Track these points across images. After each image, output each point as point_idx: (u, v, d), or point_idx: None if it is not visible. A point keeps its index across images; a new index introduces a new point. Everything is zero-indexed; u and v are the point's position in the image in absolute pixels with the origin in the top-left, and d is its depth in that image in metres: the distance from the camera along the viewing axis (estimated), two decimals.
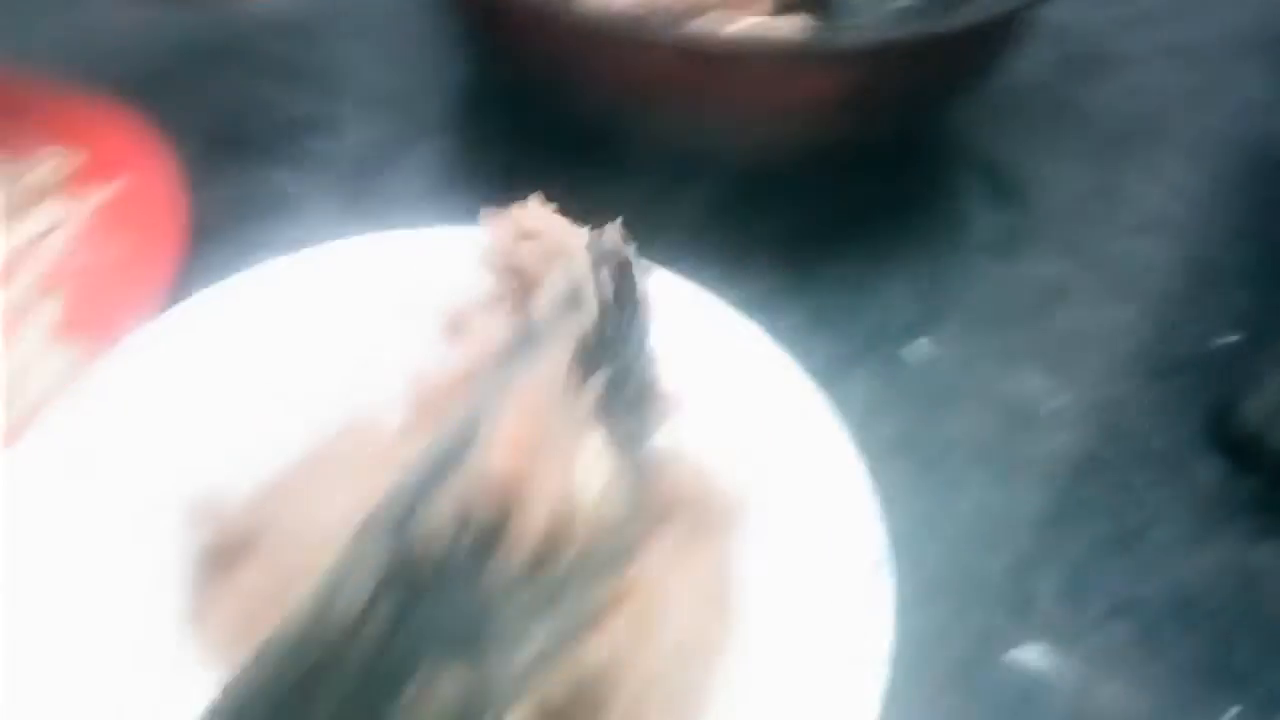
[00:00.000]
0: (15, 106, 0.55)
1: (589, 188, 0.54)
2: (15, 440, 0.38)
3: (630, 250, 0.36)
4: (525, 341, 0.30)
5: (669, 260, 0.46)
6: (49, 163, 0.54)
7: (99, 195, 0.53)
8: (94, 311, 0.48)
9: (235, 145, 0.57)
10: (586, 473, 0.28)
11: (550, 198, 0.50)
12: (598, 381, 0.30)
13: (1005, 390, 0.49)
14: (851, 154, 0.55)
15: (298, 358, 0.42)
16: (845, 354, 0.49)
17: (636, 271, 0.35)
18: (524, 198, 0.53)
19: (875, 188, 0.57)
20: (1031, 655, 0.41)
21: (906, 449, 0.46)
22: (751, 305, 0.45)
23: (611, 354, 0.31)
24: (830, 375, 0.42)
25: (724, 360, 0.42)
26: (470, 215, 0.43)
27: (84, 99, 0.55)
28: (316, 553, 0.25)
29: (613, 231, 0.36)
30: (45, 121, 0.55)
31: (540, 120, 0.59)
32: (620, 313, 0.33)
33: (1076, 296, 0.54)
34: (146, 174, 0.52)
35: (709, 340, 0.43)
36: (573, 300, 0.32)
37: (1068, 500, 0.46)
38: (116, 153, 0.53)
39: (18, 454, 0.37)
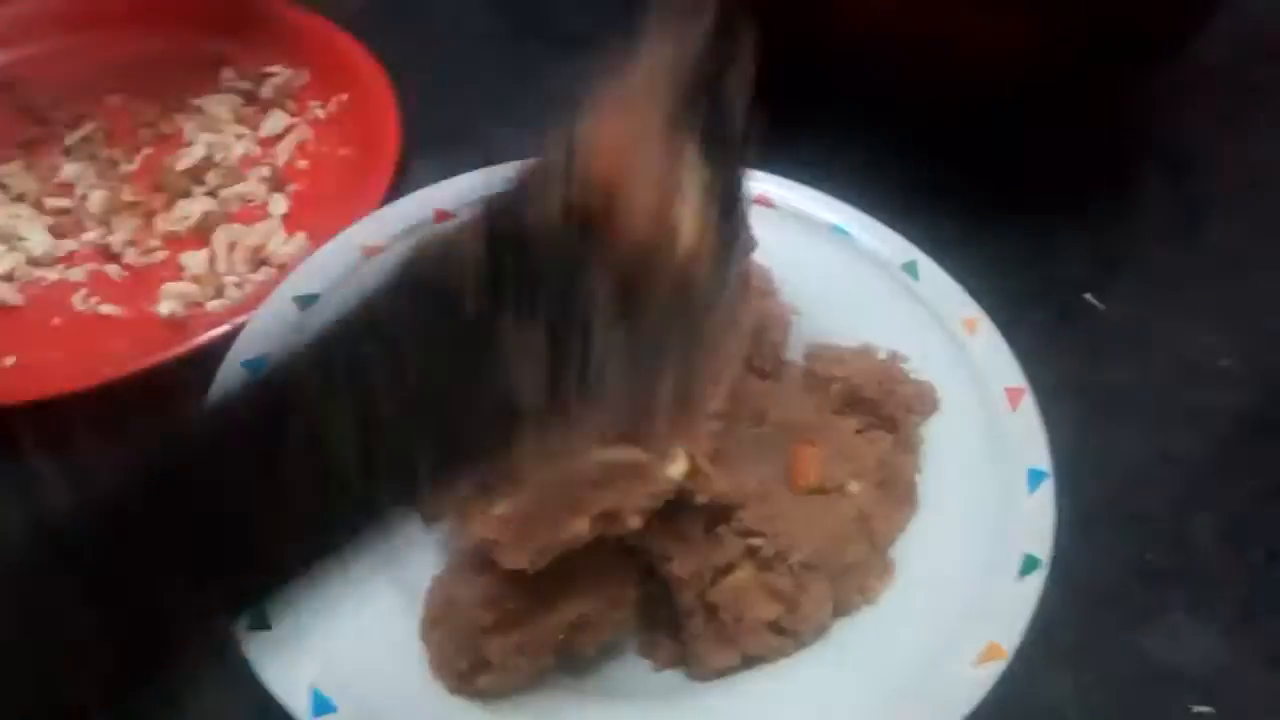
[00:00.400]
0: (250, 27, 0.61)
1: (775, 131, 0.57)
2: (256, 306, 0.43)
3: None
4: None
5: (850, 196, 0.49)
6: (279, 77, 0.59)
7: (324, 108, 0.58)
8: (319, 207, 0.53)
9: (440, 76, 0.61)
10: (685, 204, 0.24)
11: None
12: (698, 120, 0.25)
13: (1176, 345, 0.49)
14: (1036, 116, 0.56)
15: None
16: (1019, 300, 0.50)
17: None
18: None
19: (1056, 150, 0.58)
20: (1183, 593, 0.42)
21: (1075, 392, 0.46)
22: (925, 246, 0.47)
23: (711, 105, 0.27)
24: (1004, 318, 0.44)
25: (906, 282, 0.44)
26: None
27: (311, 22, 0.60)
28: None
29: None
30: (276, 41, 0.60)
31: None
32: (721, 70, 0.28)
33: (1254, 265, 0.54)
34: (365, 91, 0.56)
35: (889, 261, 0.45)
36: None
37: (1230, 453, 0.46)
38: (339, 72, 0.58)
39: (257, 318, 0.41)
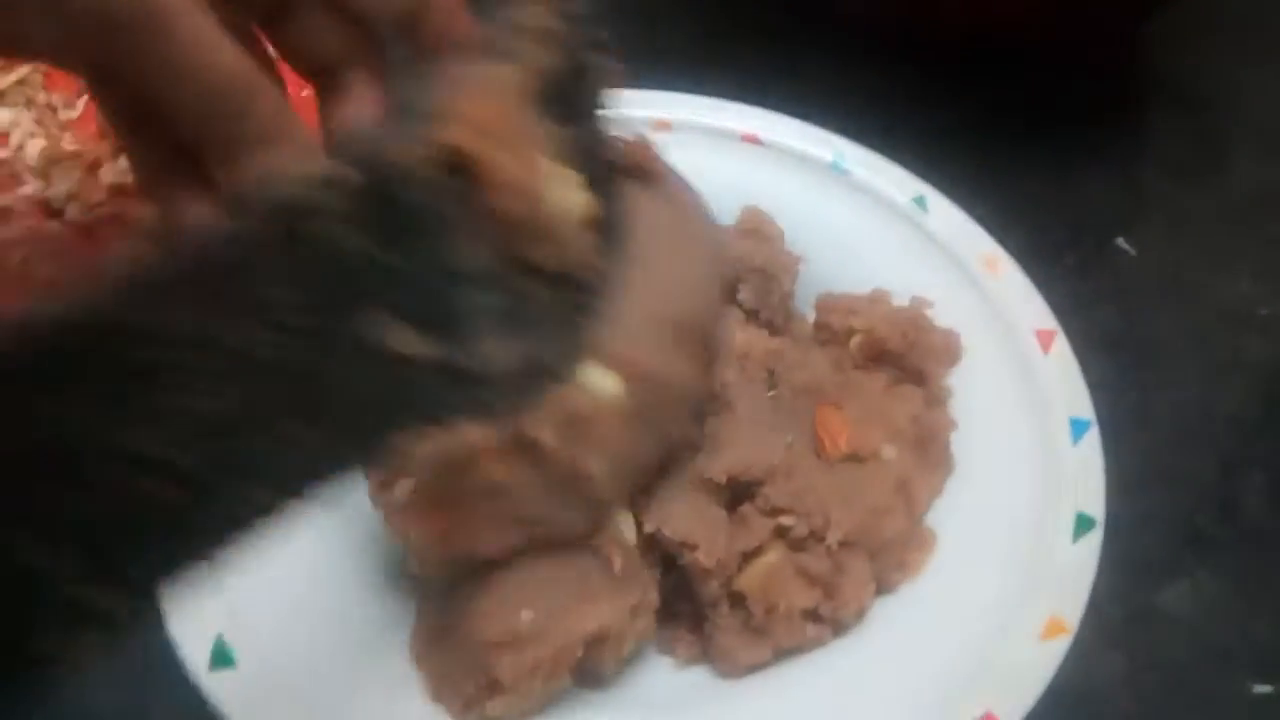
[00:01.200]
0: None
1: (769, 64, 0.53)
2: None
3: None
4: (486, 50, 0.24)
5: (866, 139, 0.45)
6: None
7: None
8: None
9: None
10: (561, 190, 0.23)
11: (743, 71, 0.48)
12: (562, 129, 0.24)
13: (1214, 293, 0.46)
14: (1055, 52, 0.52)
15: None
16: (1048, 246, 0.46)
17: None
18: (711, 65, 0.53)
19: (1074, 87, 0.54)
20: (1236, 561, 0.39)
21: (1112, 344, 0.43)
22: (948, 189, 0.43)
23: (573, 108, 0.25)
24: (1029, 263, 0.40)
25: (915, 219, 0.40)
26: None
27: None
28: None
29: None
30: None
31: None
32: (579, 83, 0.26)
33: None
34: None
35: (895, 198, 0.41)
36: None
37: (1277, 407, 0.43)
38: None
39: None
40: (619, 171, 0.28)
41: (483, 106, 0.21)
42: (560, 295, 0.23)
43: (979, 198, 0.43)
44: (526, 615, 0.28)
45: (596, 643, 0.29)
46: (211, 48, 0.33)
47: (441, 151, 0.20)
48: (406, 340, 0.20)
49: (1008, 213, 0.45)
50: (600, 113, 0.27)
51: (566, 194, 0.23)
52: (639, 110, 0.43)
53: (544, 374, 0.23)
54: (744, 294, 0.36)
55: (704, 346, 0.31)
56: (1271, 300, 0.46)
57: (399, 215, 0.20)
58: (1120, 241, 0.48)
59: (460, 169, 0.20)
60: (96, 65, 0.36)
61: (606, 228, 0.24)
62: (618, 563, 0.29)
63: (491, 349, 0.21)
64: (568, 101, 0.24)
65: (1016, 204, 0.48)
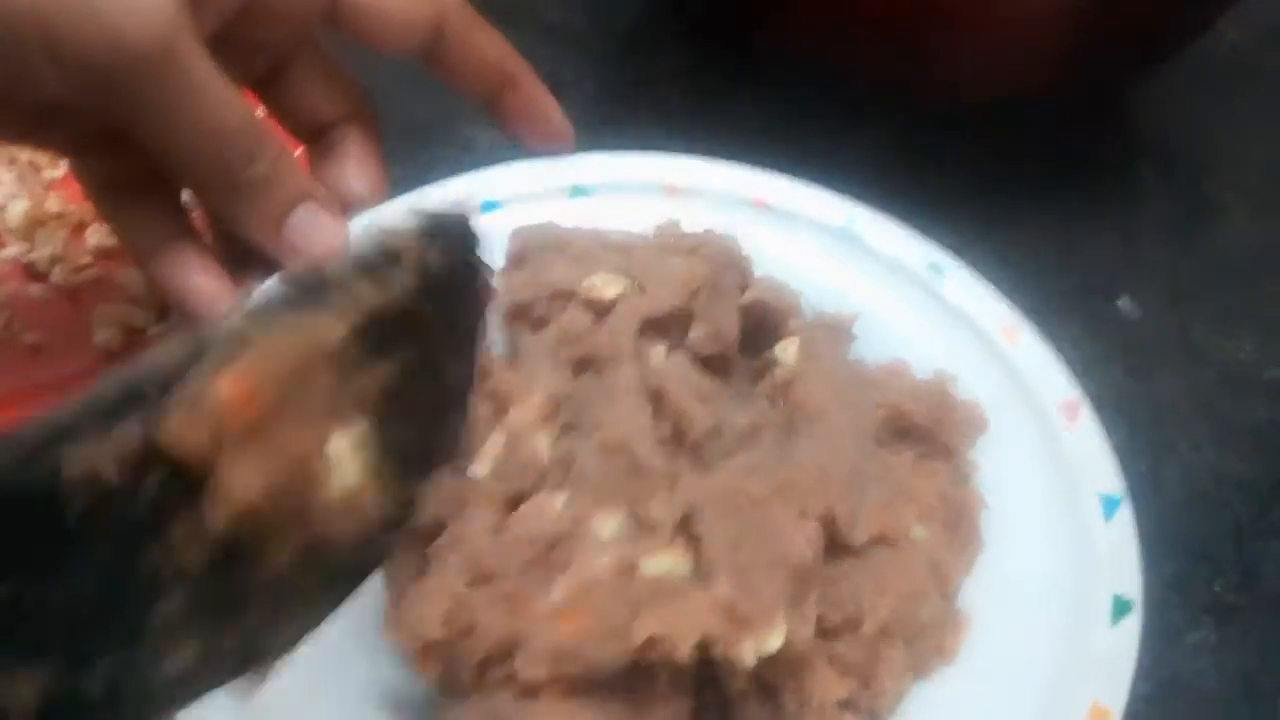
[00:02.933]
0: None
1: (771, 125, 0.53)
2: None
3: (475, 240, 0.29)
4: (308, 291, 0.23)
5: (862, 198, 0.44)
6: None
7: None
8: None
9: (401, 71, 0.56)
10: (337, 463, 0.23)
11: (729, 135, 0.48)
12: (386, 368, 0.24)
13: (1219, 355, 0.46)
14: (1052, 108, 0.52)
15: None
16: (1049, 307, 0.46)
17: (478, 264, 0.29)
18: (711, 127, 0.53)
19: (1074, 145, 0.55)
20: (1260, 633, 0.38)
21: (1118, 408, 0.43)
22: (948, 248, 0.43)
23: (416, 342, 0.25)
24: (1039, 330, 0.40)
25: (932, 287, 0.40)
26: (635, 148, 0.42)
27: None
28: None
29: (459, 213, 0.29)
30: None
31: (718, 55, 0.57)
32: (445, 300, 0.26)
33: None
34: None
35: (910, 265, 0.40)
36: (381, 263, 0.25)
37: None
38: None
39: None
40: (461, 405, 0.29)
41: (268, 366, 0.20)
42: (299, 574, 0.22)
43: (980, 258, 0.43)
44: None
45: None
46: (223, 90, 0.32)
47: (150, 454, 0.19)
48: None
49: (1011, 275, 0.45)
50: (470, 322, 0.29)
51: (353, 467, 0.22)
52: (649, 174, 0.42)
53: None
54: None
55: None
56: (1276, 363, 0.46)
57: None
58: (1121, 303, 0.48)
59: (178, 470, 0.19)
60: (91, 128, 0.35)
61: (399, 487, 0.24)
62: (663, 680, 0.28)
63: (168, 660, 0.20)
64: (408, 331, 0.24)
65: (1019, 266, 0.47)
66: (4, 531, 0.18)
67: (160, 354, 0.21)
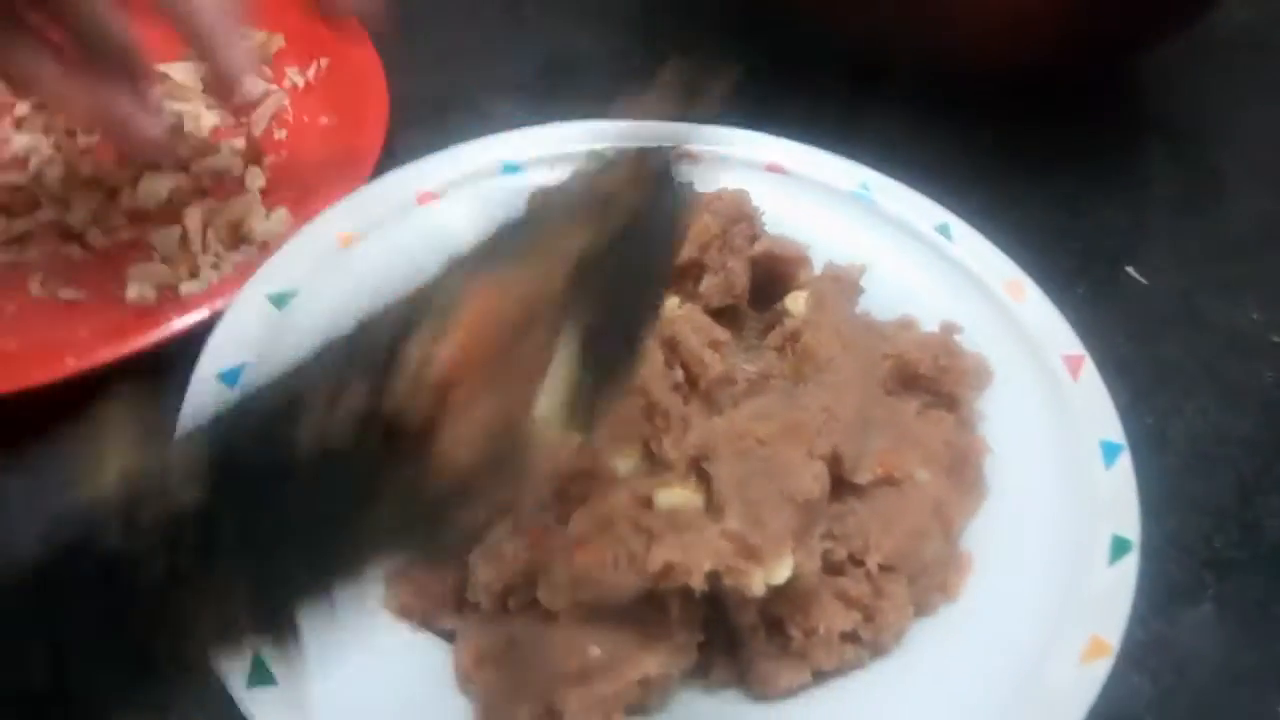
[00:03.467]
0: None
1: (785, 94, 0.54)
2: (237, 287, 0.38)
3: (679, 175, 0.28)
4: (516, 233, 0.24)
5: (873, 167, 0.45)
6: (252, 42, 0.54)
7: (302, 74, 0.53)
8: (301, 180, 0.48)
9: (424, 42, 0.57)
10: (544, 416, 0.23)
11: (744, 104, 0.49)
12: (590, 311, 0.23)
13: (1224, 320, 0.47)
14: (1059, 86, 0.53)
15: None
16: (1056, 272, 0.47)
17: (681, 200, 0.28)
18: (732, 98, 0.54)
19: (1084, 117, 0.56)
20: (1260, 583, 0.39)
21: (1127, 370, 0.44)
22: (960, 217, 0.44)
23: (617, 281, 0.24)
24: (1047, 294, 0.41)
25: (940, 246, 0.41)
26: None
27: None
28: None
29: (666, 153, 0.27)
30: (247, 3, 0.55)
31: (735, 27, 0.58)
32: (646, 238, 0.26)
33: None
34: (347, 56, 0.52)
35: (919, 225, 0.42)
36: (593, 205, 0.24)
37: None
38: (317, 35, 0.53)
39: (229, 321, 0.36)
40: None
41: (464, 350, 0.20)
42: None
43: (991, 224, 0.44)
44: (594, 652, 0.28)
45: (650, 684, 0.29)
46: None
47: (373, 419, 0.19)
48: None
49: (1019, 242, 0.46)
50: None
51: (544, 421, 0.22)
52: (660, 138, 0.43)
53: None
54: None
55: None
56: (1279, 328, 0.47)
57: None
58: (1130, 270, 0.49)
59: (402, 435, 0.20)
60: None
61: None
62: (674, 610, 0.29)
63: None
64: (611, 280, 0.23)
65: (1027, 234, 0.48)
66: (240, 499, 0.19)
67: (382, 313, 0.21)
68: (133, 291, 0.43)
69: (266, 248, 0.44)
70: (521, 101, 0.55)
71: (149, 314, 0.42)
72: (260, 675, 0.28)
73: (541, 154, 0.43)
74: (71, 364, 0.38)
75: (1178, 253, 0.50)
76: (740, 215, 0.37)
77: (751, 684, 0.31)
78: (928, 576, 0.32)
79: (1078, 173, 0.53)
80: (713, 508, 0.30)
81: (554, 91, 0.55)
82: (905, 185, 0.43)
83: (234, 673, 0.28)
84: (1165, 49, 0.55)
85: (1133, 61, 0.58)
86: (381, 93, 0.49)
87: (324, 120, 0.51)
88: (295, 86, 0.53)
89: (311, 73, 0.53)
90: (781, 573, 0.29)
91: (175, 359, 0.36)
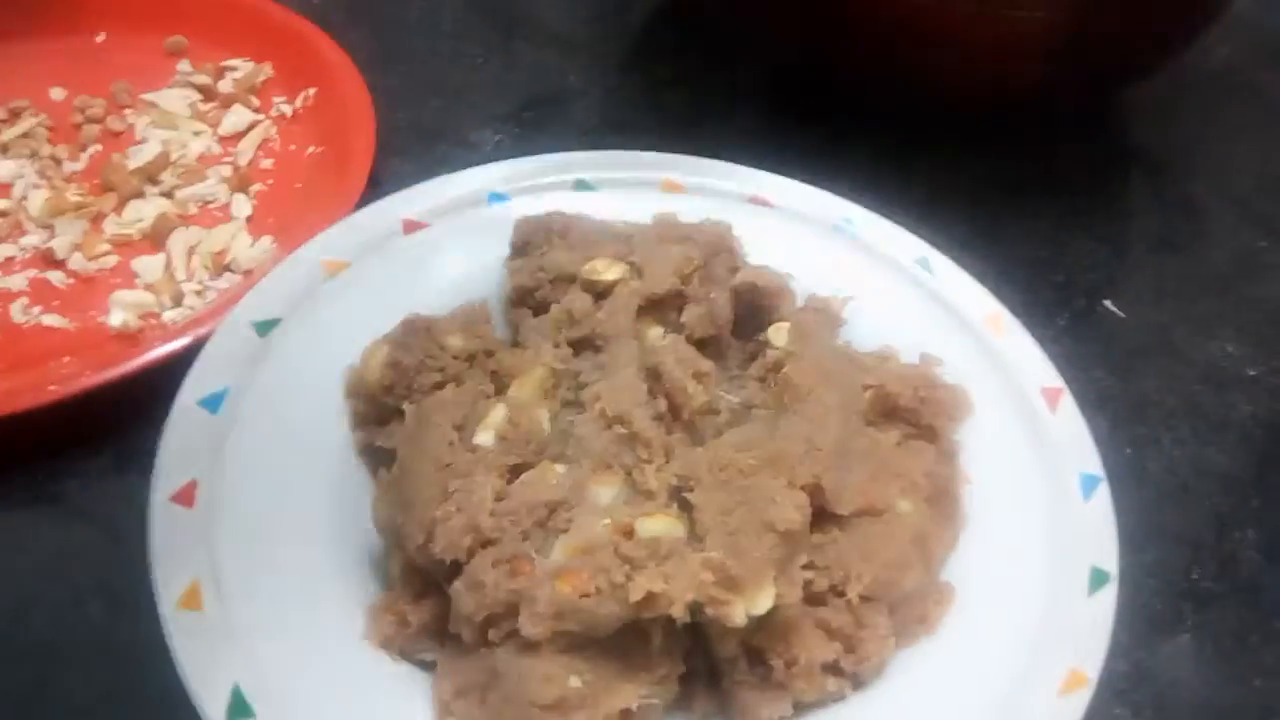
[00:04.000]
0: (207, 16, 0.56)
1: (769, 129, 0.55)
2: (220, 315, 0.38)
3: None
4: None
5: (856, 200, 0.46)
6: (240, 71, 0.55)
7: (290, 104, 0.53)
8: (287, 209, 0.48)
9: (412, 73, 0.58)
10: None
11: (730, 138, 0.50)
12: None
13: (1201, 354, 0.48)
14: (1040, 119, 0.54)
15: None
16: (1039, 308, 0.48)
17: None
18: (713, 130, 0.54)
19: (1065, 152, 0.57)
20: (1236, 616, 0.39)
21: (1105, 403, 0.45)
22: (939, 250, 0.44)
23: None
24: (1026, 327, 0.41)
25: (920, 279, 0.41)
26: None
27: (274, 11, 0.56)
28: None
29: None
30: (237, 32, 0.56)
31: (719, 64, 0.59)
32: None
33: (1269, 271, 0.52)
34: (336, 86, 0.52)
35: (899, 258, 0.42)
36: None
37: (1268, 466, 0.44)
38: (306, 65, 0.54)
39: (212, 347, 0.36)
40: None
41: None
42: None
43: (972, 260, 0.44)
44: (574, 682, 0.28)
45: (631, 716, 0.29)
46: None
47: None
48: None
49: (1000, 274, 0.46)
50: None
51: None
52: (649, 172, 0.44)
53: None
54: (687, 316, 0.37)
55: None
56: (1257, 362, 0.48)
57: None
58: (1108, 304, 0.50)
59: None
60: None
61: None
62: (656, 640, 0.29)
63: None
64: None
65: (1009, 266, 0.49)
66: None
67: None
68: (115, 319, 0.43)
69: (251, 275, 0.44)
70: (509, 133, 0.55)
71: (131, 341, 0.42)
72: (238, 708, 0.28)
73: (527, 184, 0.43)
74: (54, 390, 0.38)
75: (1156, 286, 0.51)
76: (722, 247, 0.38)
77: (732, 715, 0.31)
78: (908, 607, 0.32)
79: (1059, 206, 0.54)
80: (694, 537, 0.30)
81: (541, 124, 0.56)
82: (886, 219, 0.44)
83: (212, 705, 0.27)
84: (1147, 84, 0.56)
85: (1114, 96, 0.59)
86: (369, 123, 0.49)
87: (311, 150, 0.51)
88: (283, 115, 0.53)
89: (299, 102, 0.53)
90: (763, 603, 0.29)
91: (157, 384, 0.36)
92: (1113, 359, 0.47)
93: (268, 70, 0.54)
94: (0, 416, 0.37)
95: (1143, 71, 0.54)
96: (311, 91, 0.53)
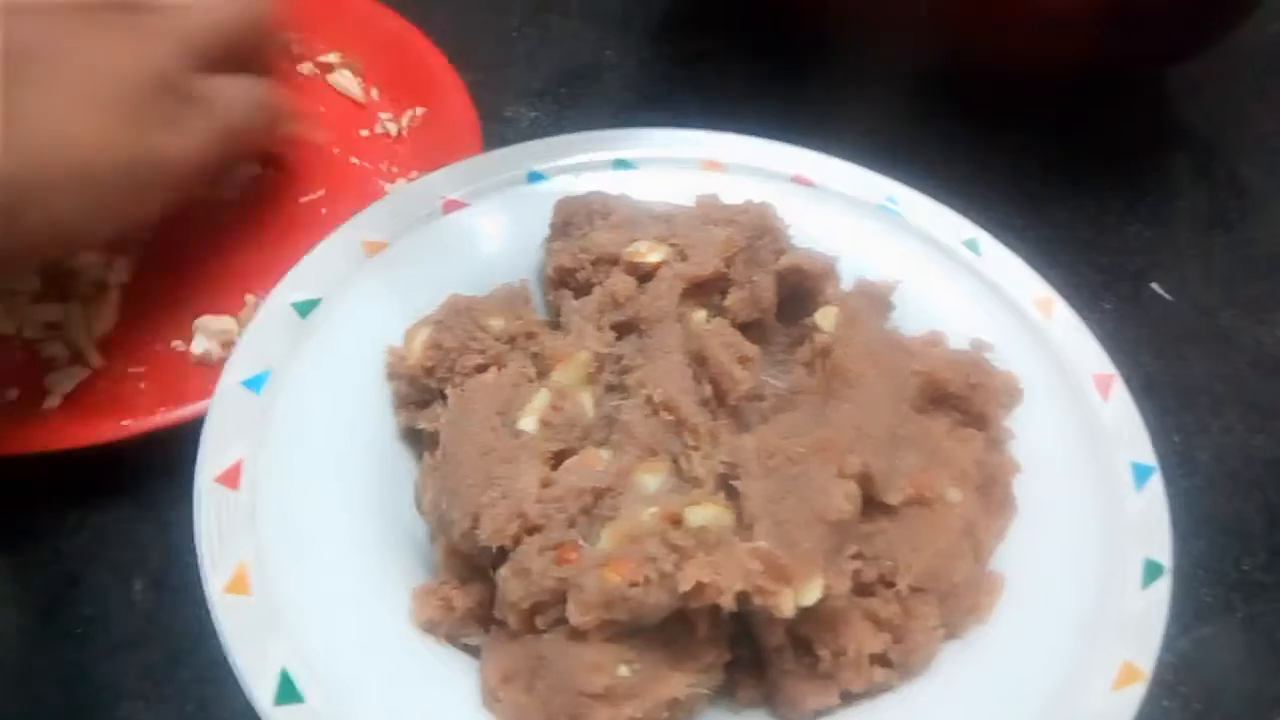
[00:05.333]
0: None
1: (809, 106, 0.54)
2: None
3: None
4: None
5: (900, 180, 0.45)
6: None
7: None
8: None
9: (445, 47, 0.57)
10: None
11: (767, 115, 0.49)
12: None
13: (1249, 338, 0.47)
14: (1086, 96, 0.53)
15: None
16: (1085, 290, 0.47)
17: None
18: (757, 108, 0.53)
19: (1112, 131, 0.55)
20: None
21: (1151, 389, 0.44)
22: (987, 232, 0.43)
23: None
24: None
25: (968, 261, 0.41)
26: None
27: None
28: None
29: None
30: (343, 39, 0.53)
31: (755, 37, 0.58)
32: None
33: None
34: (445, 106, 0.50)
35: (946, 239, 0.41)
36: None
37: None
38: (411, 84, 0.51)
39: (254, 328, 0.36)
40: None
41: None
42: None
43: (1015, 242, 0.44)
44: (624, 671, 0.28)
45: (678, 705, 0.29)
46: None
47: None
48: None
49: (1044, 256, 0.45)
50: None
51: None
52: (688, 150, 0.43)
53: None
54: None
55: None
56: None
57: None
58: (1155, 287, 0.49)
59: None
60: None
61: None
62: (702, 629, 0.29)
63: None
64: None
65: (1053, 248, 0.48)
66: None
67: None
68: (198, 346, 0.41)
69: None
70: (545, 109, 0.54)
71: (211, 372, 0.40)
72: (286, 693, 0.28)
73: (567, 162, 0.42)
74: (129, 426, 0.37)
75: (1204, 269, 0.50)
76: (765, 229, 0.37)
77: (778, 705, 0.31)
78: (958, 598, 0.31)
79: (1104, 185, 0.53)
80: (742, 526, 0.30)
81: (578, 101, 0.55)
82: (931, 198, 0.43)
83: (260, 690, 0.27)
84: (1194, 64, 0.55)
85: (1162, 72, 0.58)
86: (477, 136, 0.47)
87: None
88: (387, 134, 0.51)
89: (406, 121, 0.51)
90: (812, 594, 0.28)
91: None
92: (1160, 343, 0.46)
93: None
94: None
95: (1192, 47, 0.52)
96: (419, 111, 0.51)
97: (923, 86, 0.52)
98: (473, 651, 0.31)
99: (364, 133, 0.51)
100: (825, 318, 0.35)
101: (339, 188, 0.48)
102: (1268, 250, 0.51)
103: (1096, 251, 0.50)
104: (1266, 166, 0.55)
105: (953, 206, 0.43)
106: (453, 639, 0.31)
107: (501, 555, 0.30)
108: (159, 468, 0.38)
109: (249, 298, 0.43)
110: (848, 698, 0.30)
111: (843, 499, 0.29)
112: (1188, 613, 0.38)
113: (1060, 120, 0.54)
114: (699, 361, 0.33)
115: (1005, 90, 0.51)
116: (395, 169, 0.49)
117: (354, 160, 0.49)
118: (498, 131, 0.52)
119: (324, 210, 0.47)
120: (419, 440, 0.35)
